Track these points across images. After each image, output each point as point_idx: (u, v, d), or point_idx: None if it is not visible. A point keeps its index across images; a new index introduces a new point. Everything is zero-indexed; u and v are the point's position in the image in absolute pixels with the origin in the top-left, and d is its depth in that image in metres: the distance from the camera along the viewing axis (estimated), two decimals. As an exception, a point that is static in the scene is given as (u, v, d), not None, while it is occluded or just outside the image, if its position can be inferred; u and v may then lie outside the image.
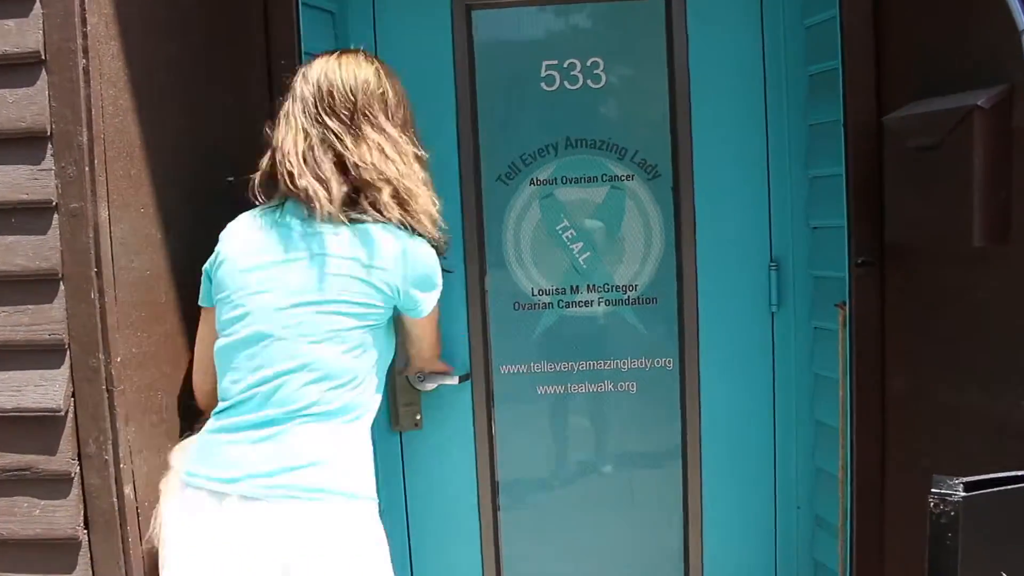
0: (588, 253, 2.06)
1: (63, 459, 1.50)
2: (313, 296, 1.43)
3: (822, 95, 1.96)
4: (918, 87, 1.65)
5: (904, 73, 1.72)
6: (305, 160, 1.45)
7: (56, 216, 1.48)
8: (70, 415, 1.50)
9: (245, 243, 1.51)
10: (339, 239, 1.44)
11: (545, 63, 2.04)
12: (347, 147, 1.45)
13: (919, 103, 1.57)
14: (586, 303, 2.06)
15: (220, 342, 1.52)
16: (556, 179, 2.04)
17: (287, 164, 1.46)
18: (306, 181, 1.44)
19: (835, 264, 1.93)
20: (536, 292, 2.07)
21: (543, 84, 2.04)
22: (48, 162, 1.48)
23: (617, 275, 2.07)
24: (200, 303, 1.60)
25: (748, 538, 2.09)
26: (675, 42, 2.01)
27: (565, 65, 2.04)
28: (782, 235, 2.06)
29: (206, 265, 1.57)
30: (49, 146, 1.48)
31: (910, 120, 1.56)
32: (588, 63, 2.03)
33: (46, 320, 1.49)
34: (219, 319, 1.53)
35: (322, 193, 1.42)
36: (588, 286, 2.07)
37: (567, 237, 2.06)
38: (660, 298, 2.06)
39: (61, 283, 1.49)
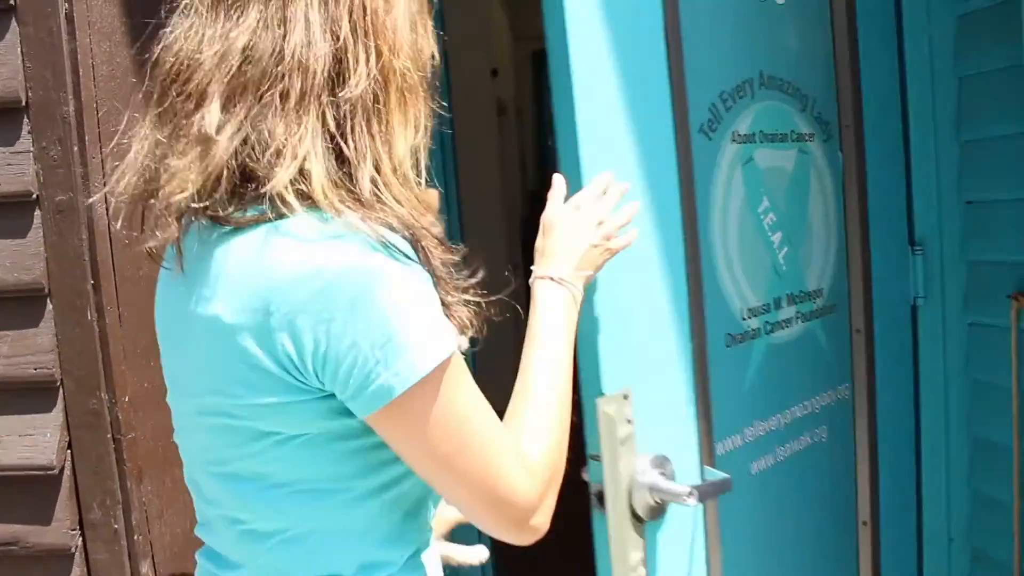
0: (786, 248, 1.46)
1: (60, 530, 1.19)
2: (201, 394, 0.75)
3: (978, 40, 1.60)
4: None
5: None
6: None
7: (38, 212, 1.18)
8: (67, 473, 1.20)
9: (158, 292, 0.85)
10: (208, 272, 0.72)
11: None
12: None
13: None
14: (786, 322, 1.46)
15: None
16: (754, 134, 1.40)
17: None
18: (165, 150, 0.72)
19: (1001, 245, 1.58)
20: (746, 315, 1.36)
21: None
22: (25, 141, 1.17)
23: (808, 278, 1.50)
24: None
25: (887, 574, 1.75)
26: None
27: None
28: (927, 211, 1.70)
29: None
30: (25, 120, 1.16)
31: None
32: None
33: (30, 350, 1.19)
34: None
35: (182, 173, 0.70)
36: (788, 297, 1.46)
37: (768, 223, 1.43)
38: (839, 304, 1.56)
39: (48, 300, 1.18)
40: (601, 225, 0.97)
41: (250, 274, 0.68)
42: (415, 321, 0.68)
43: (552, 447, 0.79)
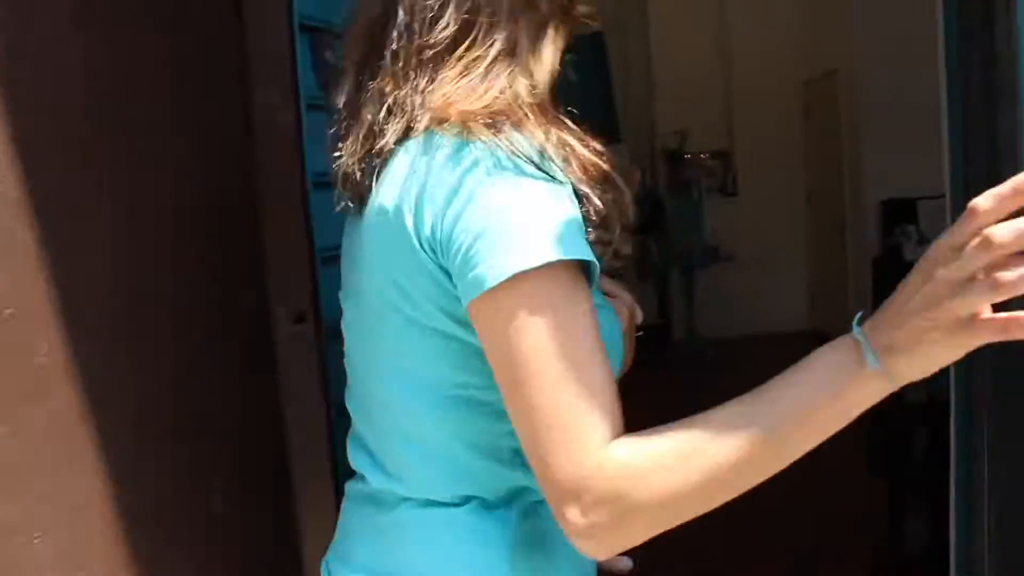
0: None
1: None
2: (369, 288, 0.84)
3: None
4: None
5: None
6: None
7: None
8: None
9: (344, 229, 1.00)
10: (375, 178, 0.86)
11: None
12: None
13: None
14: None
15: None
16: None
17: None
18: None
19: None
20: None
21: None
22: None
23: None
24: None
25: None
26: None
27: None
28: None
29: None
30: None
31: None
32: None
33: None
34: None
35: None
36: None
37: None
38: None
39: None
40: (964, 291, 0.59)
41: (404, 168, 0.74)
42: (531, 220, 0.68)
43: (654, 465, 0.65)
